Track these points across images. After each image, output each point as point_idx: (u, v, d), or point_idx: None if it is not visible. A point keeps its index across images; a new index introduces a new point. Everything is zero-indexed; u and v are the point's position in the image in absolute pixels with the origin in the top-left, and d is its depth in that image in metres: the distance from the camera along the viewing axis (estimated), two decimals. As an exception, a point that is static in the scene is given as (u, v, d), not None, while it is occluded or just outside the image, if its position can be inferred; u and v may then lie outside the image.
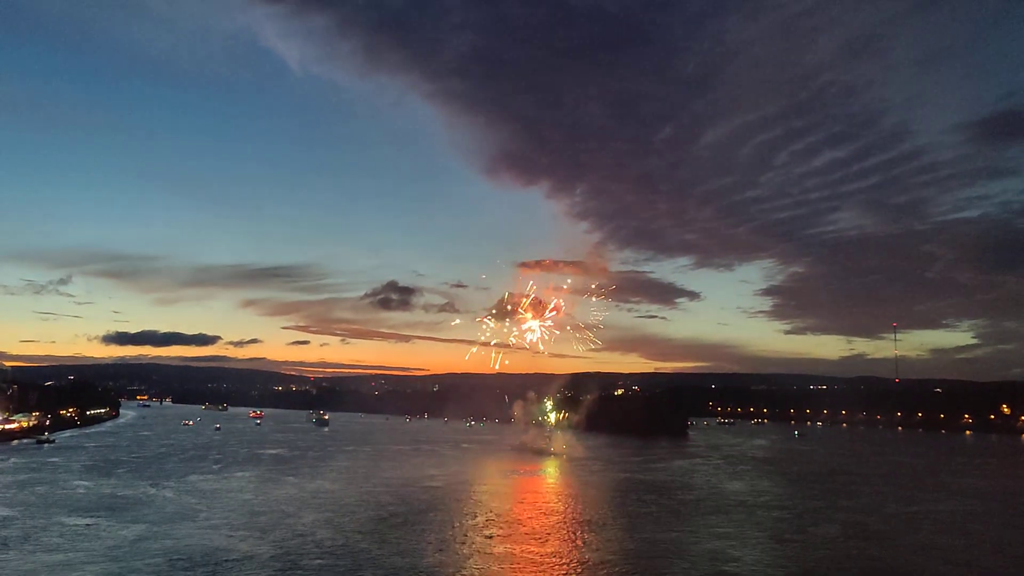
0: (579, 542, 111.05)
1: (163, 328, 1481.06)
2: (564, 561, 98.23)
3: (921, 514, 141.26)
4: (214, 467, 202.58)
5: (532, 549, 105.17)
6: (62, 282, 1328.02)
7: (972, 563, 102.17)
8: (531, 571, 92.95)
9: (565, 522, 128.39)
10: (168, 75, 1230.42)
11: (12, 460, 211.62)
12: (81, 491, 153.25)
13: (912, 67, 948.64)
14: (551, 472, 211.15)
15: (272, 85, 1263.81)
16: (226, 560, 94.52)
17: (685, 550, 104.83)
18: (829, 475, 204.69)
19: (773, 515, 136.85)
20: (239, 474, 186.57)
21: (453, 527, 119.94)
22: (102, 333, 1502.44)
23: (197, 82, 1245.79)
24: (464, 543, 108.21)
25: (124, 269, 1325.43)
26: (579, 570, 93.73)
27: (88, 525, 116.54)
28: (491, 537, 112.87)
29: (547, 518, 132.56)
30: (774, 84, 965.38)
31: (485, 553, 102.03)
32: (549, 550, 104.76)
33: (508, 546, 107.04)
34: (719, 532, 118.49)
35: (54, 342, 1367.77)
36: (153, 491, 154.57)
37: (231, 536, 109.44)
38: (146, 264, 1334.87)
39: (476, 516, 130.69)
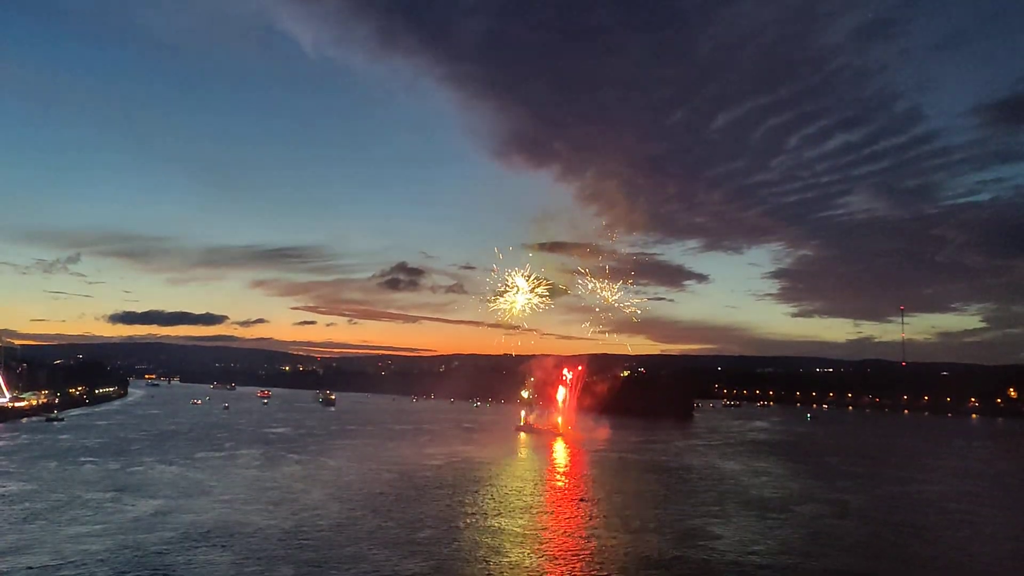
0: (571, 517, 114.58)
1: (175, 308, 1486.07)
2: (553, 534, 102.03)
3: (907, 494, 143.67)
4: (225, 445, 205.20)
5: (525, 523, 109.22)
6: (71, 260, 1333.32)
7: (941, 540, 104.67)
8: (521, 543, 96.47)
9: (561, 499, 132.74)
10: (183, 57, 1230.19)
11: (23, 437, 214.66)
12: (95, 468, 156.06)
13: (926, 51, 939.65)
14: (553, 452, 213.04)
15: (286, 67, 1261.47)
16: (240, 532, 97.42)
17: (670, 526, 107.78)
18: (826, 456, 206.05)
19: (763, 493, 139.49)
20: (248, 452, 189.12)
21: (453, 503, 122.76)
22: (112, 312, 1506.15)
23: (211, 64, 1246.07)
24: (462, 517, 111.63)
25: (135, 249, 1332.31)
26: (565, 542, 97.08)
27: (107, 500, 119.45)
28: (488, 512, 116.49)
29: (544, 495, 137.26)
30: (787, 68, 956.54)
31: (481, 526, 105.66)
32: (541, 524, 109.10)
33: (503, 520, 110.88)
34: (707, 510, 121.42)
35: (64, 321, 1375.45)
36: (166, 468, 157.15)
37: (244, 510, 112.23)
38: (157, 244, 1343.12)
39: (475, 492, 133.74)
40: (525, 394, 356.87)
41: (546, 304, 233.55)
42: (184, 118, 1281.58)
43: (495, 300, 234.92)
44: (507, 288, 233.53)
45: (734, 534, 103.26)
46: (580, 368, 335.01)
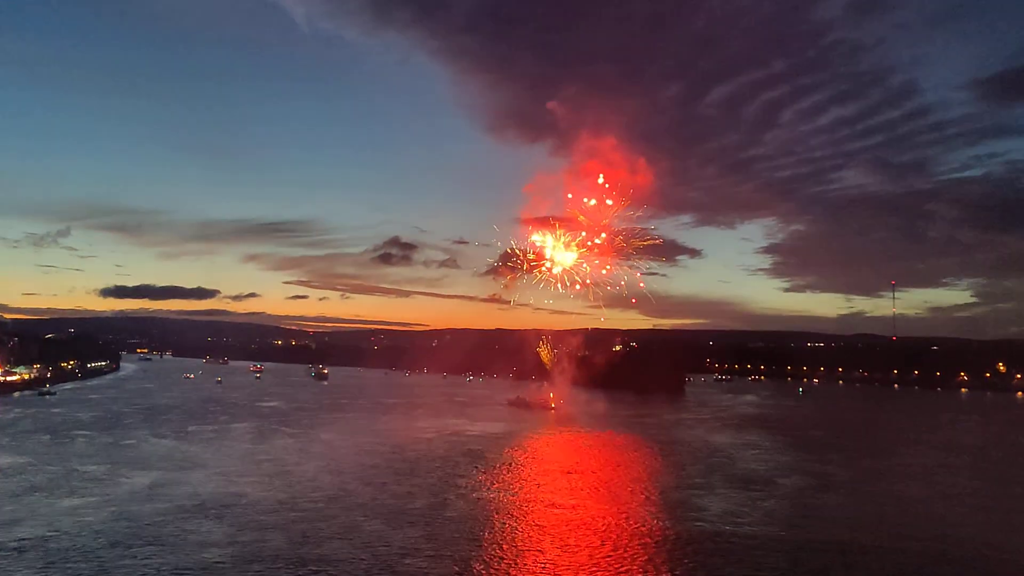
0: (559, 489, 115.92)
1: (166, 282, 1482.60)
2: (541, 506, 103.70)
3: (890, 467, 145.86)
4: (218, 419, 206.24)
5: (514, 494, 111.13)
6: (60, 234, 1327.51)
7: (922, 511, 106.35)
8: (510, 514, 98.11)
9: (551, 471, 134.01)
10: (174, 30, 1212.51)
11: (16, 411, 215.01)
12: (89, 441, 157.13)
13: (922, 25, 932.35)
14: (545, 425, 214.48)
15: (278, 40, 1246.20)
16: (234, 504, 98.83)
17: (657, 498, 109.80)
18: (814, 430, 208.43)
19: (750, 466, 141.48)
20: (242, 426, 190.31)
21: (444, 475, 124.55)
22: (103, 286, 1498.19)
23: (203, 37, 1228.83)
24: (453, 489, 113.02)
25: (127, 223, 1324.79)
26: (553, 513, 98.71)
27: (102, 473, 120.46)
28: (478, 484, 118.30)
29: (534, 467, 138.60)
30: (781, 41, 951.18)
31: (471, 498, 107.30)
32: (530, 495, 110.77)
33: (493, 492, 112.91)
34: (693, 482, 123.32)
35: (55, 295, 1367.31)
36: (160, 441, 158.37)
37: (238, 482, 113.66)
38: (149, 218, 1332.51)
39: (467, 465, 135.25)
40: (517, 368, 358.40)
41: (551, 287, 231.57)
42: (176, 91, 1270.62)
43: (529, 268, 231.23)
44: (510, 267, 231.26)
45: (719, 506, 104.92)
46: (573, 343, 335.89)
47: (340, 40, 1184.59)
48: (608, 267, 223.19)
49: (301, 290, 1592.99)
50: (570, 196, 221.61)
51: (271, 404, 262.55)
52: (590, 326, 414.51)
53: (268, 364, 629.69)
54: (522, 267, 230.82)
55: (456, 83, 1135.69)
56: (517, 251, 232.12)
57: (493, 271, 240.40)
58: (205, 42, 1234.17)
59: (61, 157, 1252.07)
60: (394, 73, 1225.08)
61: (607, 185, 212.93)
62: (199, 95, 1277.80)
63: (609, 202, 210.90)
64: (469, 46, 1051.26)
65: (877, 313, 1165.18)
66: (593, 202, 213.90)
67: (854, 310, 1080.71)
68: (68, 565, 73.40)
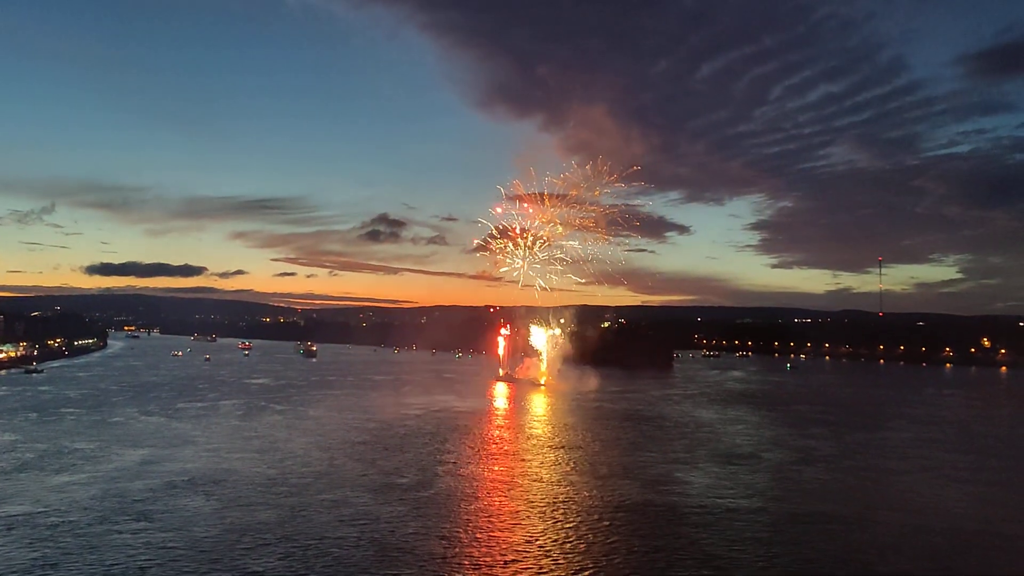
0: (546, 464, 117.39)
1: (153, 259, 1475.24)
2: (528, 480, 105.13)
3: (873, 440, 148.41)
4: (207, 396, 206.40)
5: (501, 469, 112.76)
6: (45, 211, 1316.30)
7: (901, 483, 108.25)
8: (497, 489, 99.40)
9: (538, 446, 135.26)
10: (160, 5, 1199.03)
11: (2, 389, 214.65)
12: (77, 419, 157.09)
13: (911, 0, 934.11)
14: (533, 401, 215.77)
15: (266, 15, 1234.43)
16: (224, 480, 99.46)
17: (641, 473, 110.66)
18: (799, 405, 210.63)
19: (734, 441, 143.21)
20: (231, 403, 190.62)
21: (433, 451, 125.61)
22: (89, 264, 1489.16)
23: (190, 12, 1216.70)
24: (441, 465, 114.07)
25: (113, 200, 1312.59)
26: (540, 488, 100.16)
27: (91, 450, 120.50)
28: (466, 459, 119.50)
29: (521, 443, 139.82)
30: (771, 17, 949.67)
31: (459, 473, 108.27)
32: (517, 470, 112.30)
33: (480, 467, 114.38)
34: (678, 457, 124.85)
35: (40, 272, 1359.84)
36: (149, 419, 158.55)
37: (227, 459, 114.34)
38: (135, 195, 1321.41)
39: (455, 441, 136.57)
40: (505, 345, 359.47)
41: (545, 252, 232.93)
42: (163, 66, 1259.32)
43: (496, 249, 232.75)
44: (508, 240, 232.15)
45: (703, 480, 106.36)
46: (562, 319, 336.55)
47: (328, 14, 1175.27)
48: (598, 243, 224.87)
49: (289, 267, 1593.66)
50: (556, 171, 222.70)
51: (260, 381, 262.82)
52: (579, 302, 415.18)
53: (256, 341, 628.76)
54: (511, 243, 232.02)
55: (445, 58, 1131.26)
56: (506, 227, 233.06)
57: (482, 248, 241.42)
58: (192, 17, 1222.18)
59: (46, 133, 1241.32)
60: (382, 48, 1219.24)
61: (597, 158, 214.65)
62: (186, 70, 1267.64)
63: (602, 168, 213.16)
64: (457, 20, 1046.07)
65: (864, 289, 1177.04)
66: (588, 167, 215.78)
67: (841, 286, 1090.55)
68: (57, 542, 73.71)
